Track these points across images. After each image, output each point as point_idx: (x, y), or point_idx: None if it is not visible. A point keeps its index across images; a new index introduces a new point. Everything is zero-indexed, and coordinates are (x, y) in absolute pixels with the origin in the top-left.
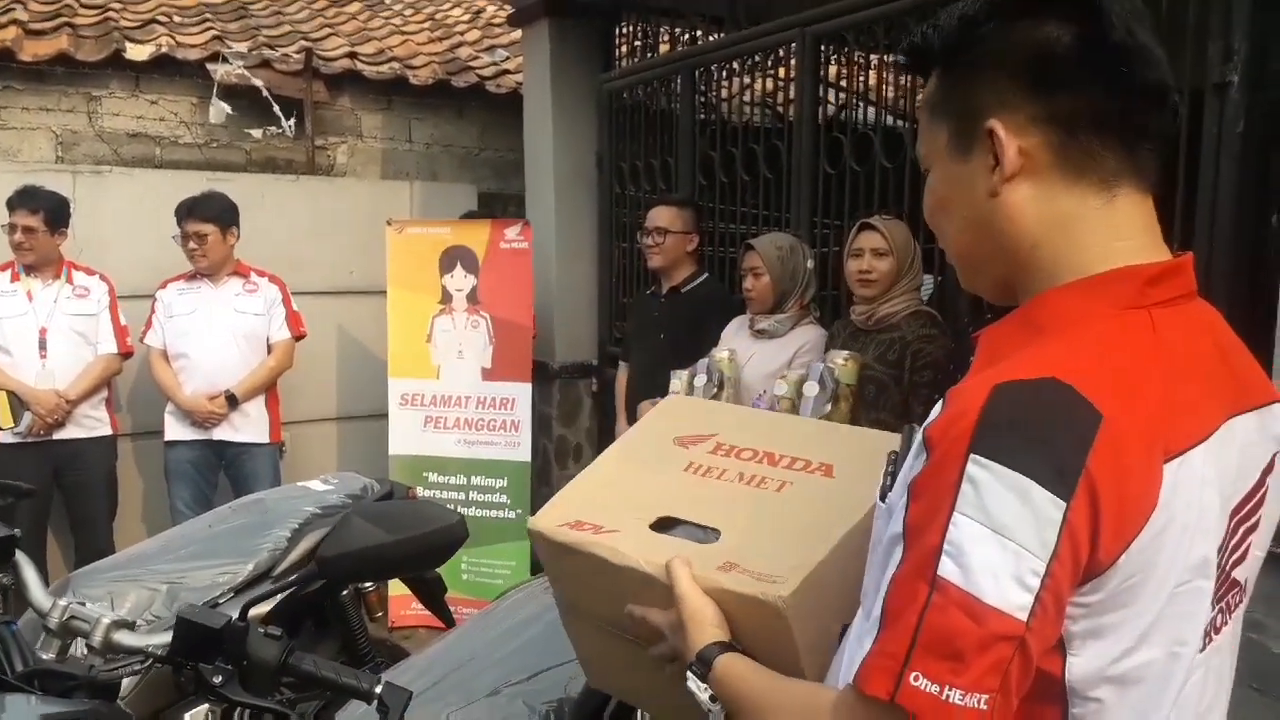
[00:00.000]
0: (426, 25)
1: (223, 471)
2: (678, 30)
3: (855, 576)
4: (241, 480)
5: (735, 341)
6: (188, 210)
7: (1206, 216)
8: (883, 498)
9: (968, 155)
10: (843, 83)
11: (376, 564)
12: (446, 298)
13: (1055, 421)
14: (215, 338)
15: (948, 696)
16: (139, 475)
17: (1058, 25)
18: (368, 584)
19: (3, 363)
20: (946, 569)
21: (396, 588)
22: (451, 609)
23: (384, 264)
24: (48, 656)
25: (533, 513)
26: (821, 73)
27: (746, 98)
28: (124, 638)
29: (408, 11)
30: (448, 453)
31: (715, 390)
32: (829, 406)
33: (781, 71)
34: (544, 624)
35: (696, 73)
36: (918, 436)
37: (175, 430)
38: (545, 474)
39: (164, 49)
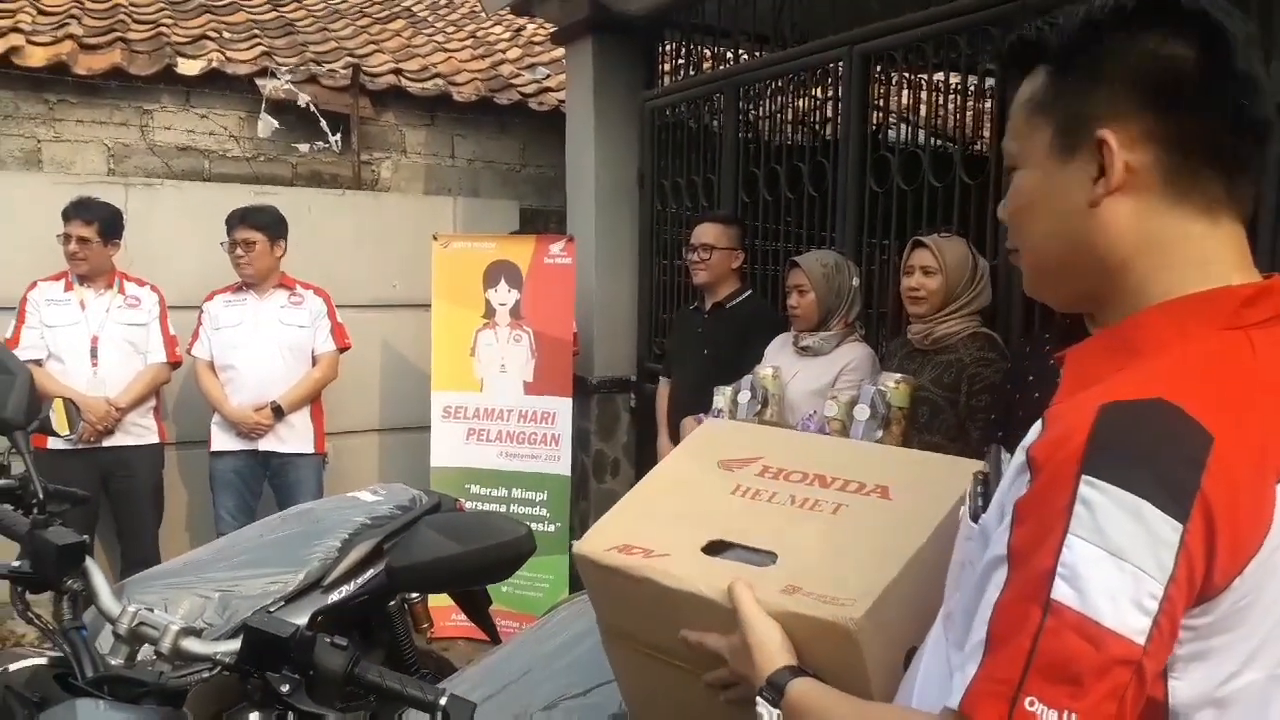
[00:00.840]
0: (469, 43)
1: (267, 482)
2: (721, 48)
3: (922, 599)
4: (286, 490)
5: (779, 358)
6: (240, 218)
7: (1268, 242)
8: (974, 519)
9: (1068, 161)
10: (890, 101)
11: (447, 575)
12: (490, 312)
13: (1167, 443)
14: (261, 349)
15: None
16: (183, 485)
17: (1184, 44)
18: (414, 594)
19: (55, 370)
20: (1061, 592)
21: (438, 599)
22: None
23: (427, 278)
24: (117, 662)
25: (571, 526)
26: (870, 91)
27: (791, 115)
28: (192, 645)
29: (450, 29)
30: (490, 465)
31: (759, 407)
32: (880, 432)
33: (825, 90)
34: (597, 639)
35: (741, 90)
36: (1019, 457)
37: (221, 440)
38: (583, 488)
39: (214, 64)
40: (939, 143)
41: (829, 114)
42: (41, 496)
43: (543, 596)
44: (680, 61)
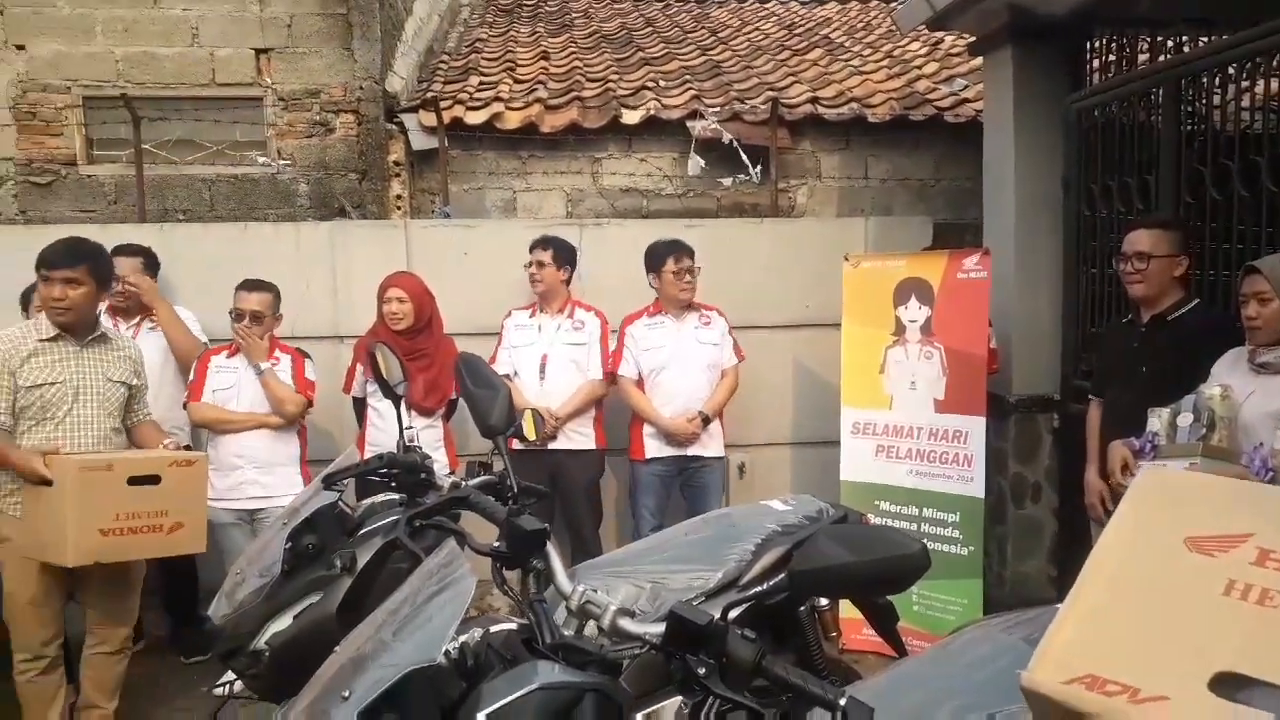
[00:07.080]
0: (885, 63)
1: (678, 484)
2: (1158, 39)
3: None
4: (697, 492)
5: (1230, 376)
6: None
7: None
8: None
9: None
10: None
11: (839, 582)
12: (900, 329)
13: None
14: (683, 366)
15: None
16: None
17: None
18: (823, 602)
19: (514, 384)
20: None
21: (849, 611)
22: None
23: (838, 298)
24: (568, 633)
25: (986, 551)
26: None
27: (1247, 104)
28: (627, 624)
29: (866, 51)
30: (899, 482)
31: (1203, 431)
32: None
33: None
34: (997, 667)
35: (1182, 82)
36: None
37: (653, 448)
38: (1000, 512)
39: (652, 111)
40: None
41: None
42: (516, 490)
43: (954, 620)
44: (1110, 59)
